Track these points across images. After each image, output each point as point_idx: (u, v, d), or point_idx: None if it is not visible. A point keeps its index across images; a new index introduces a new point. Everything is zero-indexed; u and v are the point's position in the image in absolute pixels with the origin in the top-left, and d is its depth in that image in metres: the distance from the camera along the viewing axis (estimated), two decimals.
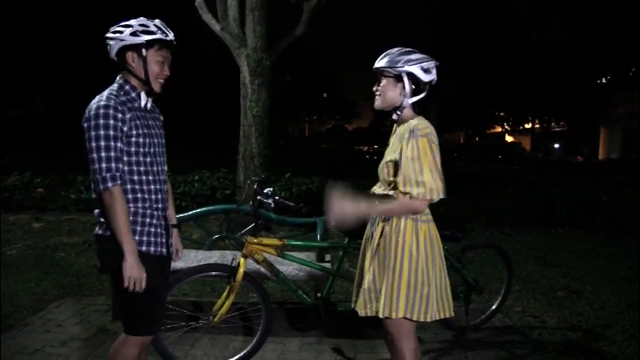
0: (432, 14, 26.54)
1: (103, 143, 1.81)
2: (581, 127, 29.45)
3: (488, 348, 3.21)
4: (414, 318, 2.00)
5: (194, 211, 3.81)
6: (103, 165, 1.81)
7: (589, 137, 32.94)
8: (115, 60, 1.95)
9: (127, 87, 1.95)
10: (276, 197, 2.82)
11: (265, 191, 2.81)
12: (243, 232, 3.97)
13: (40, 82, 23.31)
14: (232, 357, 2.86)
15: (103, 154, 1.81)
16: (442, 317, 2.06)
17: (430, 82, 2.08)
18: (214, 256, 3.50)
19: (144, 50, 1.90)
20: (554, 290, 4.46)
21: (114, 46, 1.90)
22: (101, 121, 1.81)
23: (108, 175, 1.81)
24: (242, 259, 2.76)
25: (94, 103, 1.86)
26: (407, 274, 1.99)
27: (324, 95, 45.49)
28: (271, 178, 7.41)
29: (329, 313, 2.97)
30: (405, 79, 2.04)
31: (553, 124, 30.73)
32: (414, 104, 2.08)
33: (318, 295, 2.99)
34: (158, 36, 1.90)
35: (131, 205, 1.92)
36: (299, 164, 14.50)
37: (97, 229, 1.96)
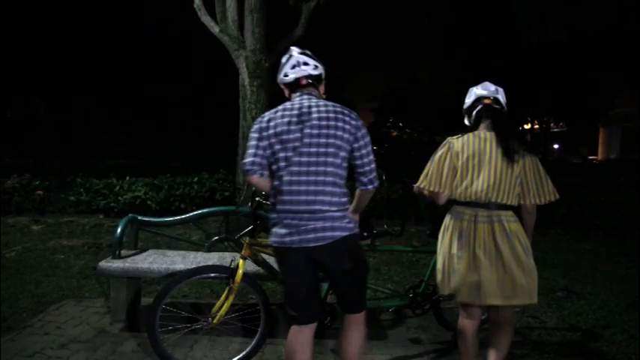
0: (432, 16, 26.57)
1: (369, 148, 2.23)
2: (581, 127, 29.45)
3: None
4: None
5: (193, 213, 3.81)
6: (374, 165, 2.23)
7: (588, 138, 32.95)
8: (314, 79, 2.35)
9: None
10: None
11: (264, 193, 2.81)
12: (242, 233, 3.97)
13: (39, 84, 23.32)
14: (232, 358, 2.86)
15: (373, 157, 2.23)
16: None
17: None
18: (213, 258, 3.50)
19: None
20: (553, 291, 4.47)
21: (322, 72, 2.36)
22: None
23: (374, 175, 2.25)
24: (241, 261, 2.76)
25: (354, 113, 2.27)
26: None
27: (324, 97, 45.51)
28: None
29: (328, 314, 2.97)
30: None
31: (552, 124, 30.73)
32: None
33: None
34: None
35: None
36: None
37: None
